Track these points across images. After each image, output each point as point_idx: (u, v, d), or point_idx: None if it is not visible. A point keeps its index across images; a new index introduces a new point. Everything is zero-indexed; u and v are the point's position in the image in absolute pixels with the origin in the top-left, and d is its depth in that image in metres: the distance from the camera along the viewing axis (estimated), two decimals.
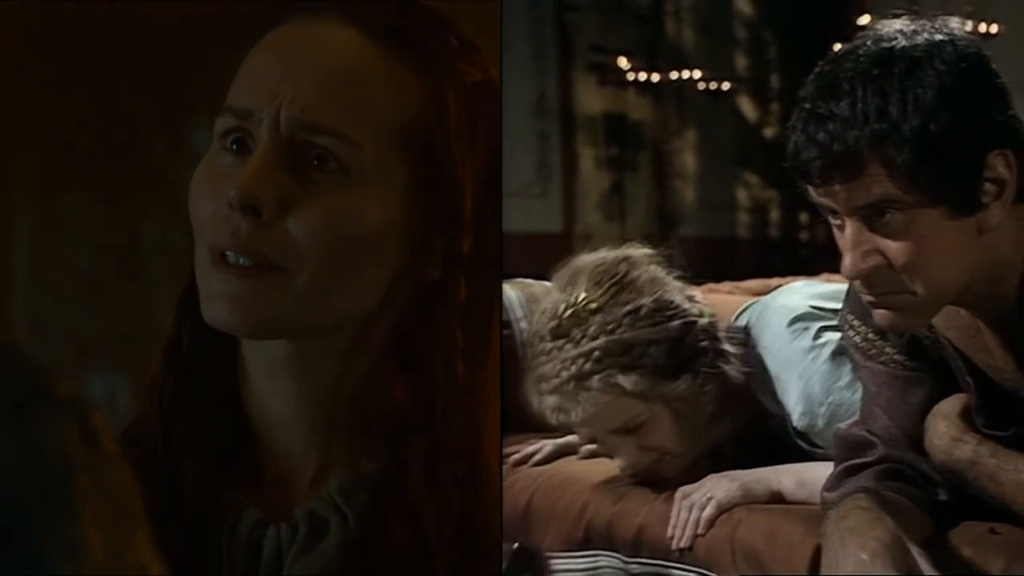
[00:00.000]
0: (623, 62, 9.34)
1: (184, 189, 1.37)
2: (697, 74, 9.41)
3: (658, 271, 2.13)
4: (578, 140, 9.41)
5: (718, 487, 2.04)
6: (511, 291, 2.58)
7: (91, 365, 2.09)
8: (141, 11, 2.02)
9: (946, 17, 1.56)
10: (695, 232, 9.48)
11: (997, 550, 1.67)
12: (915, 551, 1.55)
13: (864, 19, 6.76)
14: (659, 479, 2.14)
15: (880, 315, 1.60)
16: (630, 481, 2.19)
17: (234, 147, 1.35)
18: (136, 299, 2.06)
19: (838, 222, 1.56)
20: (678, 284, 2.13)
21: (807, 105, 1.52)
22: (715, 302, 2.23)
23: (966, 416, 1.71)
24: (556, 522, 2.22)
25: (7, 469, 0.95)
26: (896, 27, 1.54)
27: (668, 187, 9.80)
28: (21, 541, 0.94)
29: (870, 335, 1.78)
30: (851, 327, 1.81)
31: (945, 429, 1.72)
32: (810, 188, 1.55)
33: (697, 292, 2.16)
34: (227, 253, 1.32)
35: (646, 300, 2.08)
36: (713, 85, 9.46)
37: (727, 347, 2.10)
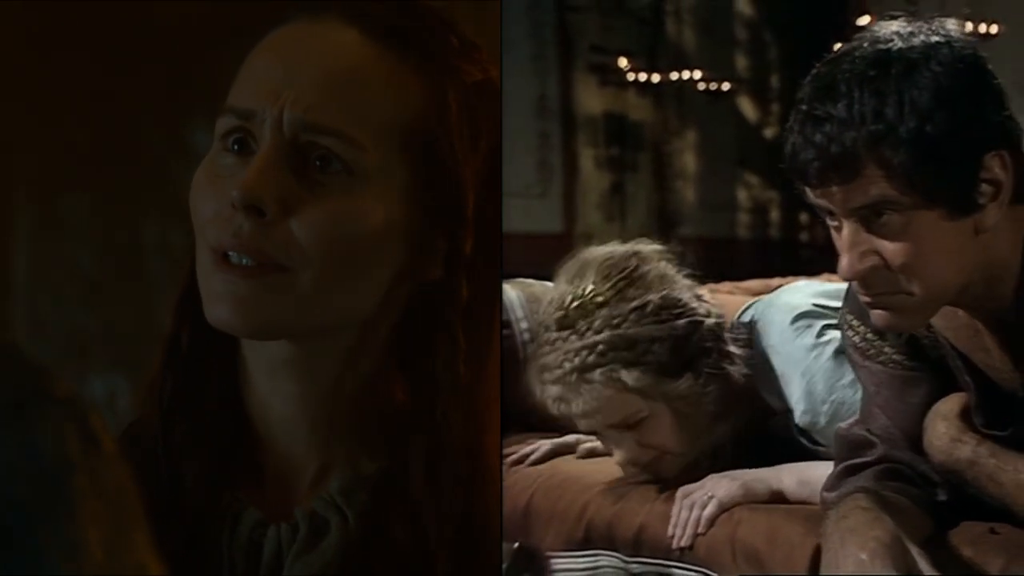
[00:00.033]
0: (623, 62, 9.34)
1: (184, 189, 1.37)
2: (697, 74, 9.40)
3: (668, 268, 2.13)
4: (579, 140, 9.40)
5: (719, 486, 2.04)
6: (511, 291, 2.58)
7: (91, 365, 2.09)
8: (141, 11, 2.02)
9: (943, 19, 1.56)
10: (695, 232, 9.47)
11: (997, 550, 1.67)
12: (914, 551, 1.55)
13: (864, 19, 6.75)
14: (658, 477, 2.14)
15: (877, 315, 1.61)
16: (630, 481, 2.19)
17: (236, 147, 1.35)
18: (136, 299, 2.06)
19: (835, 223, 1.56)
20: (687, 282, 2.13)
21: (804, 107, 1.53)
22: (716, 302, 2.23)
23: (965, 416, 1.71)
24: (556, 522, 2.22)
25: (7, 469, 0.95)
26: (893, 29, 1.54)
27: (668, 187, 9.80)
28: (21, 541, 0.94)
29: (869, 335, 1.78)
30: (850, 327, 1.81)
31: (944, 429, 1.72)
32: (807, 189, 1.55)
33: (705, 291, 2.15)
34: (230, 253, 1.32)
35: (653, 296, 2.07)
36: (713, 86, 9.45)
37: (732, 349, 2.10)
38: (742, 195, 10.05)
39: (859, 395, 1.90)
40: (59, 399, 0.98)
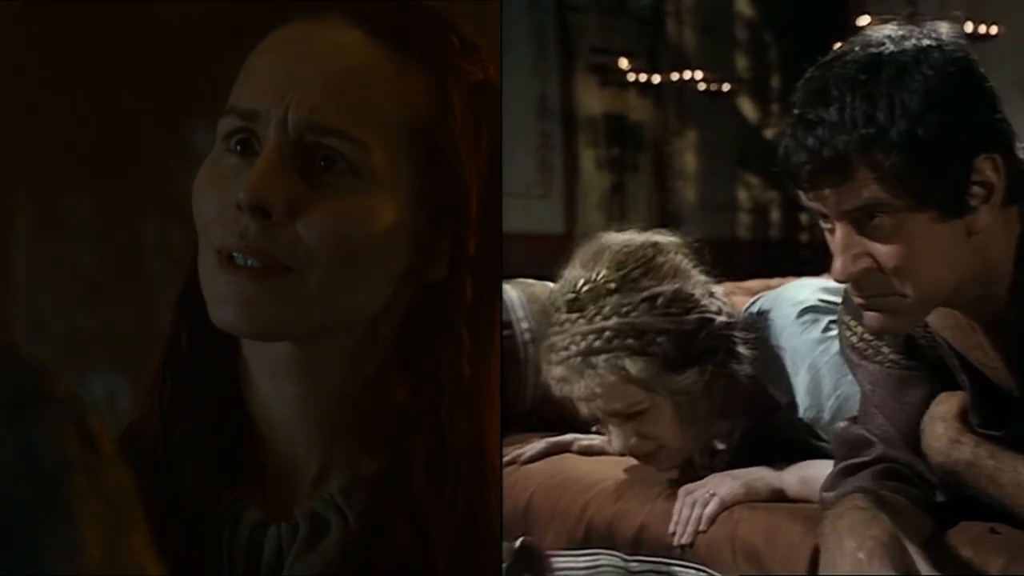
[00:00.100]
0: (624, 63, 9.34)
1: (184, 189, 1.37)
2: (698, 75, 9.39)
3: (684, 262, 2.12)
4: (579, 141, 9.40)
5: (721, 484, 2.04)
6: (512, 291, 2.59)
7: (91, 365, 2.09)
8: (141, 11, 2.02)
9: (935, 22, 1.57)
10: (695, 233, 9.45)
11: (997, 550, 1.67)
12: (913, 550, 1.56)
13: (863, 20, 6.75)
14: (659, 469, 2.14)
15: (870, 317, 1.61)
16: (630, 481, 2.19)
17: (238, 148, 1.34)
18: (136, 299, 2.06)
19: (828, 226, 1.57)
20: (701, 278, 2.12)
21: (796, 111, 1.54)
22: (729, 301, 2.22)
23: (963, 418, 1.71)
24: (557, 521, 2.23)
25: (6, 469, 0.95)
26: (884, 33, 1.55)
27: (669, 188, 9.80)
28: (21, 541, 0.94)
29: (866, 335, 1.79)
30: (848, 327, 1.82)
31: (943, 431, 1.72)
32: (800, 192, 1.56)
33: (719, 289, 2.15)
34: (235, 255, 1.32)
35: (666, 288, 2.06)
36: (714, 86, 9.45)
37: (741, 349, 2.09)
38: (742, 195, 10.05)
39: None
40: (58, 399, 0.98)
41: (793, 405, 2.09)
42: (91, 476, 0.97)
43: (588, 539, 2.17)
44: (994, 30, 7.21)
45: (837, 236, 1.55)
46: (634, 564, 2.10)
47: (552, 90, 9.24)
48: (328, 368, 1.37)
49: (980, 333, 1.65)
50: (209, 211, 1.34)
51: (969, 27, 6.82)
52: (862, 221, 1.53)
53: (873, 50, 1.53)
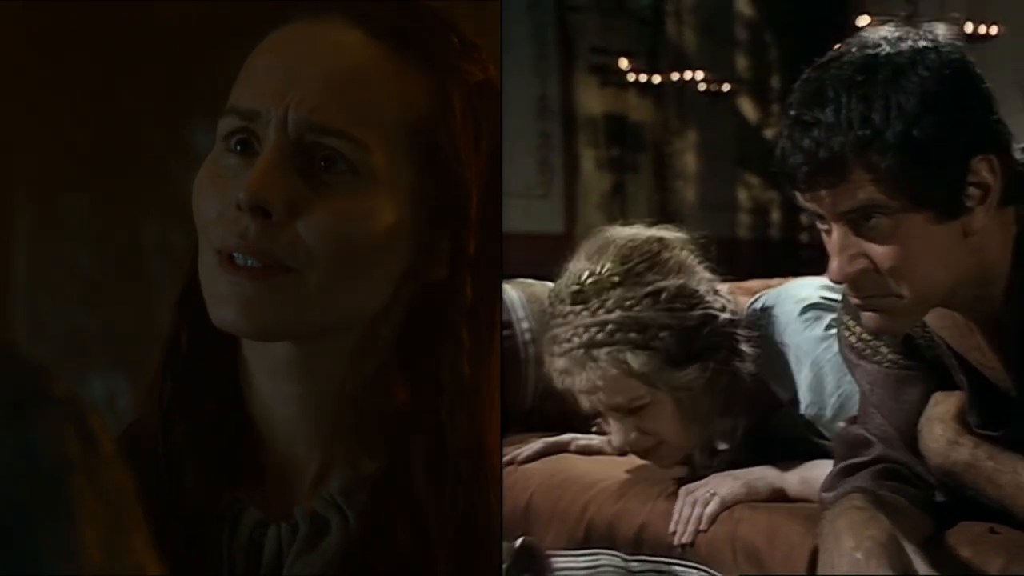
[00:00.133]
0: (624, 63, 9.34)
1: (184, 189, 1.37)
2: (698, 75, 9.39)
3: (689, 258, 2.12)
4: (579, 141, 9.40)
5: (722, 484, 2.04)
6: (512, 291, 2.59)
7: (91, 365, 2.09)
8: (141, 11, 2.02)
9: (932, 23, 1.57)
10: (696, 233, 9.45)
11: (996, 550, 1.67)
12: (911, 550, 1.56)
13: (863, 20, 6.75)
14: (659, 466, 2.14)
15: (867, 318, 1.62)
16: (631, 480, 2.19)
17: (238, 148, 1.34)
18: (136, 299, 2.06)
19: (825, 227, 1.57)
20: (706, 275, 2.12)
21: (793, 112, 1.54)
22: (733, 298, 2.22)
23: (961, 419, 1.72)
24: (557, 521, 2.23)
25: (6, 469, 0.95)
26: (881, 34, 1.55)
27: (669, 188, 9.80)
28: (21, 541, 0.94)
29: (864, 335, 1.79)
30: (846, 327, 1.82)
31: (941, 432, 1.73)
32: (797, 193, 1.56)
33: (724, 287, 2.14)
34: (235, 255, 1.32)
35: (670, 284, 2.06)
36: (714, 86, 9.45)
37: (744, 347, 2.09)
38: (742, 195, 10.04)
39: None
40: (58, 399, 0.98)
41: (795, 402, 2.09)
42: (91, 476, 0.97)
43: (588, 539, 2.17)
44: (994, 30, 7.21)
45: (833, 237, 1.55)
46: (634, 564, 2.10)
47: (552, 90, 9.24)
48: (328, 368, 1.37)
49: (978, 333, 1.65)
50: (209, 211, 1.34)
51: (969, 27, 6.82)
52: (858, 222, 1.53)
53: (869, 51, 1.53)
